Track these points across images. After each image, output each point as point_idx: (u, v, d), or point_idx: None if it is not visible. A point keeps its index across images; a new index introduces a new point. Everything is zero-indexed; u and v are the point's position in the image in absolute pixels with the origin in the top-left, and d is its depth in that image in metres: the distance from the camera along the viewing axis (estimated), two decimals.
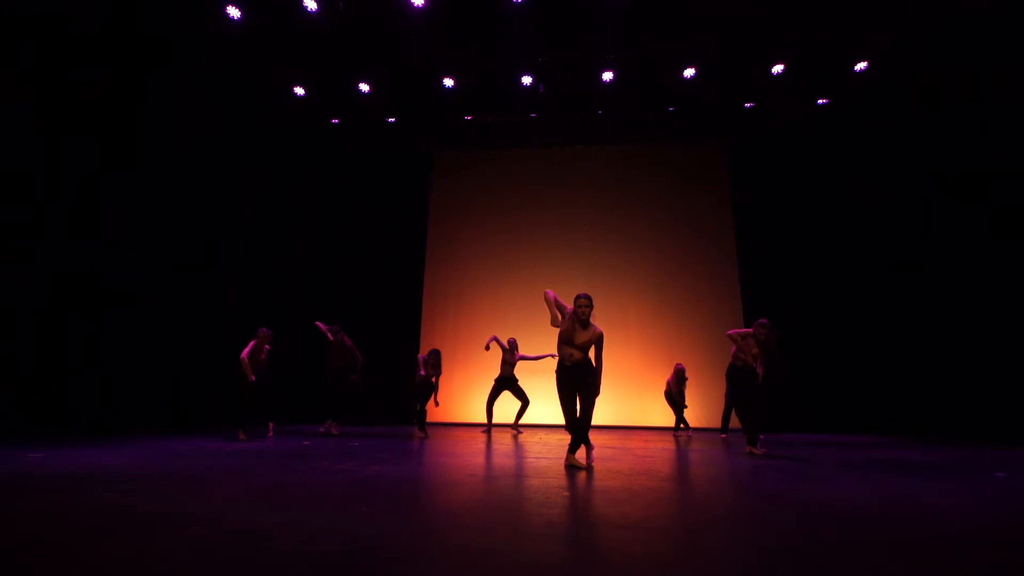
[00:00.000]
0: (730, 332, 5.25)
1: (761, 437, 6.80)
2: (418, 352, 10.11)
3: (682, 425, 7.67)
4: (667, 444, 6.09)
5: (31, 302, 5.91)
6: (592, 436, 7.09)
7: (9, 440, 4.87)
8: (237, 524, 1.93)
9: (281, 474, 3.17)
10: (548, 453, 4.74)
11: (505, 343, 7.58)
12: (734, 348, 5.25)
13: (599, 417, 9.15)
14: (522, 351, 7.72)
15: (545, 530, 1.95)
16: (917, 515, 2.25)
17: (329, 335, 6.94)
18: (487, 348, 7.32)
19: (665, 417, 7.75)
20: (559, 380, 3.90)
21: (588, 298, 3.80)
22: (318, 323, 7.17)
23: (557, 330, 3.91)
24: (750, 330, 5.11)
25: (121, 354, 6.95)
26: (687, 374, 7.72)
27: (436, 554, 1.62)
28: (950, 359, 7.48)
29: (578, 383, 3.83)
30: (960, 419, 7.20)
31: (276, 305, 9.78)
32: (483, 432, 7.51)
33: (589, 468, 3.69)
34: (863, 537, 1.86)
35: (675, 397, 7.62)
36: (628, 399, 9.46)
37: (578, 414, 3.83)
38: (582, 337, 3.79)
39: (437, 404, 7.22)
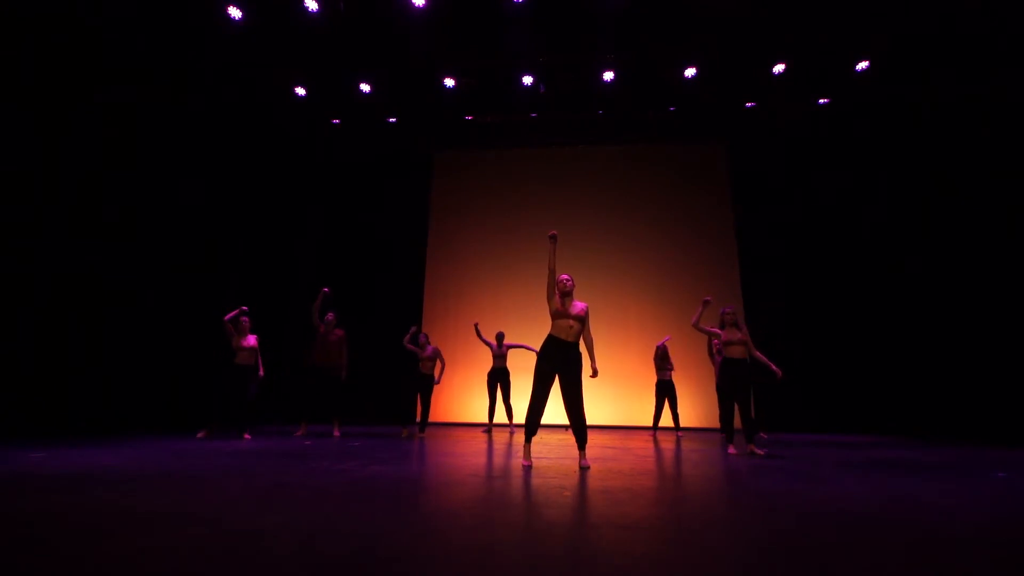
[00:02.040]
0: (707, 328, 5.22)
1: (764, 436, 6.80)
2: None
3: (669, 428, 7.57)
4: (668, 444, 6.09)
5: (31, 302, 5.92)
6: (593, 436, 7.12)
7: (9, 440, 4.87)
8: (237, 524, 1.93)
9: (281, 474, 3.17)
10: (548, 453, 4.74)
11: (493, 340, 7.65)
12: (716, 342, 5.26)
13: (600, 417, 9.24)
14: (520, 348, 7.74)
15: (546, 530, 1.95)
16: (917, 515, 2.25)
17: (321, 327, 6.51)
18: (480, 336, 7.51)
19: (665, 417, 7.71)
20: (546, 356, 3.83)
21: (570, 276, 4.02)
22: (314, 310, 6.59)
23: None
24: (716, 330, 5.16)
25: (121, 354, 6.95)
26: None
27: (436, 554, 1.62)
28: (950, 359, 7.48)
29: (566, 365, 3.81)
30: (960, 419, 7.20)
31: (276, 305, 9.78)
32: (506, 430, 7.56)
33: (585, 469, 3.66)
34: (863, 537, 1.86)
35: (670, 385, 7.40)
36: (628, 399, 9.46)
37: (569, 411, 3.82)
38: (575, 309, 3.89)
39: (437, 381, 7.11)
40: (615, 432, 8.08)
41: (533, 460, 3.98)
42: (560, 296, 3.93)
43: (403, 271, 10.62)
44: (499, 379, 7.58)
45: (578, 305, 3.94)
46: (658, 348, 7.48)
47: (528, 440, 3.89)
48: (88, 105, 6.55)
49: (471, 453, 4.72)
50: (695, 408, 9.15)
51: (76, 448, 4.37)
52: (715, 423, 9.00)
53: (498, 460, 4.24)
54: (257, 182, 9.65)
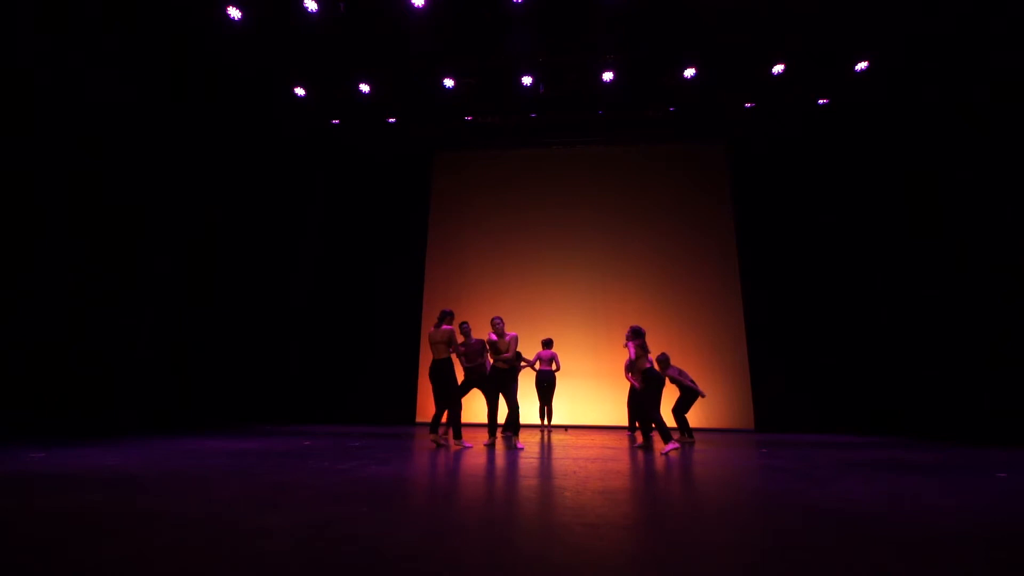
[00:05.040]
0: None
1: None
2: (418, 352, 10.12)
3: (686, 435, 6.57)
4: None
5: (31, 302, 5.92)
6: (592, 435, 7.19)
7: (9, 440, 4.87)
8: (237, 524, 1.93)
9: (281, 474, 3.17)
10: (549, 454, 4.74)
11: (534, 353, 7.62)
12: (634, 352, 5.34)
13: (601, 417, 9.24)
14: (524, 350, 7.59)
15: (546, 530, 1.95)
16: (917, 515, 2.25)
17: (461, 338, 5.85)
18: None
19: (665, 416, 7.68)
20: (499, 380, 5.56)
21: (497, 319, 5.80)
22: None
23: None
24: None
25: (122, 354, 6.95)
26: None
27: (437, 554, 1.62)
28: (951, 359, 7.47)
29: (512, 381, 5.65)
30: (960, 419, 7.20)
31: (276, 305, 9.79)
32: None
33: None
34: (863, 537, 1.86)
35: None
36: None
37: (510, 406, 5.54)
38: (507, 346, 5.52)
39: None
40: (615, 432, 8.08)
41: (534, 460, 4.05)
42: (499, 338, 5.59)
43: (403, 271, 10.63)
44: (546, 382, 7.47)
45: (508, 336, 5.59)
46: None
47: (517, 432, 5.51)
48: (86, 105, 6.55)
49: (471, 454, 4.72)
50: (693, 408, 9.14)
51: (76, 448, 4.37)
52: (716, 423, 9.05)
53: (497, 461, 4.24)
54: (257, 182, 9.65)
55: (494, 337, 5.64)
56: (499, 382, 5.61)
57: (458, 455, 4.50)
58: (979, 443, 6.27)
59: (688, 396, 6.56)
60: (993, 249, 6.89)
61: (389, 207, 10.91)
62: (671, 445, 4.90)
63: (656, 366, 6.32)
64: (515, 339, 5.62)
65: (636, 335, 5.32)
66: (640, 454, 4.80)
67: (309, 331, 10.38)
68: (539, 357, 7.52)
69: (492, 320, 5.78)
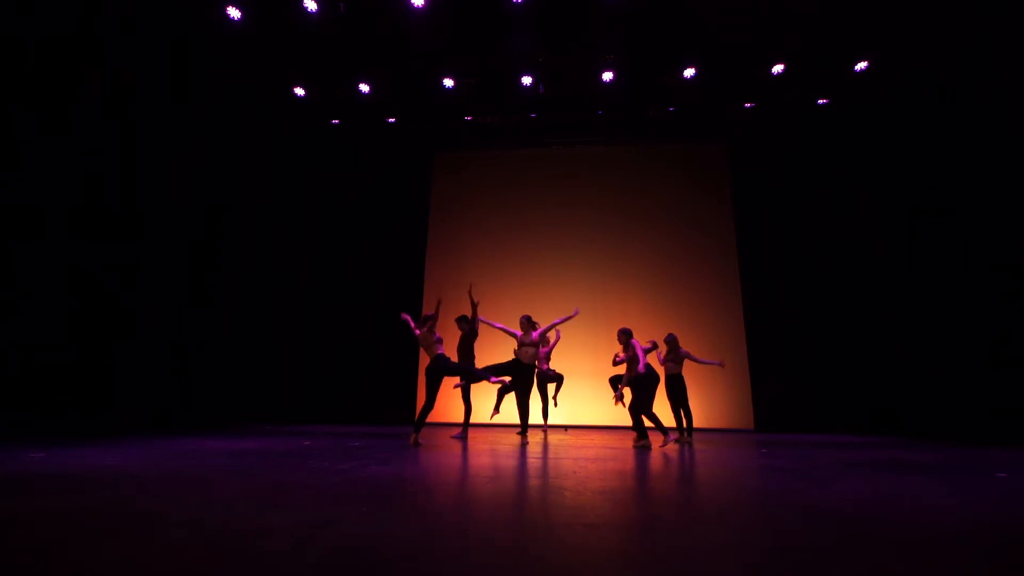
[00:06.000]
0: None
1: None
2: (418, 352, 10.10)
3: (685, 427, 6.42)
4: (670, 445, 6.07)
5: (31, 302, 5.92)
6: (592, 435, 7.20)
7: (9, 440, 4.87)
8: (237, 524, 1.93)
9: (281, 474, 3.17)
10: (549, 454, 4.74)
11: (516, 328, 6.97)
12: (663, 356, 6.17)
13: (601, 417, 9.25)
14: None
15: (547, 530, 1.95)
16: (917, 515, 2.25)
17: (416, 329, 6.07)
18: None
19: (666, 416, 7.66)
20: (526, 376, 6.24)
21: (525, 317, 6.56)
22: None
23: (562, 328, 6.45)
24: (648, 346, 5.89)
25: (122, 354, 6.95)
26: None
27: (438, 554, 1.62)
28: (951, 359, 7.47)
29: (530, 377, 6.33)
30: (960, 419, 7.19)
31: (276, 305, 9.79)
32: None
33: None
34: (863, 537, 1.86)
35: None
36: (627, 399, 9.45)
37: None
38: (533, 336, 6.26)
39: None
40: (615, 432, 8.08)
41: (534, 460, 4.07)
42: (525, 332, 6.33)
43: (403, 271, 10.63)
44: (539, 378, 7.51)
45: (534, 334, 6.29)
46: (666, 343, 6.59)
47: (526, 431, 6.23)
48: (87, 105, 6.55)
49: (471, 453, 4.72)
50: (696, 408, 9.15)
51: (76, 448, 4.36)
52: (716, 423, 9.06)
53: (498, 460, 4.24)
54: (256, 182, 9.64)
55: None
56: (517, 376, 6.30)
57: (456, 456, 4.50)
58: (979, 443, 6.27)
59: (678, 384, 6.39)
60: (993, 249, 6.88)
61: (389, 207, 10.90)
62: (671, 437, 4.99)
63: (661, 362, 6.42)
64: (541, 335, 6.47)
65: (629, 334, 5.77)
66: (639, 454, 4.80)
67: (309, 331, 10.38)
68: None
69: (520, 319, 6.64)
